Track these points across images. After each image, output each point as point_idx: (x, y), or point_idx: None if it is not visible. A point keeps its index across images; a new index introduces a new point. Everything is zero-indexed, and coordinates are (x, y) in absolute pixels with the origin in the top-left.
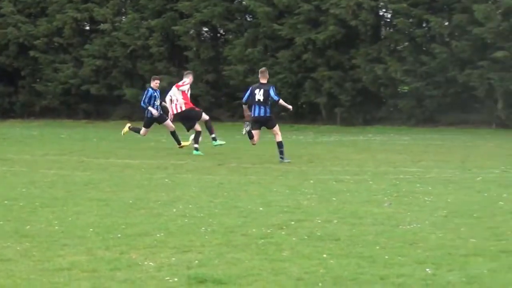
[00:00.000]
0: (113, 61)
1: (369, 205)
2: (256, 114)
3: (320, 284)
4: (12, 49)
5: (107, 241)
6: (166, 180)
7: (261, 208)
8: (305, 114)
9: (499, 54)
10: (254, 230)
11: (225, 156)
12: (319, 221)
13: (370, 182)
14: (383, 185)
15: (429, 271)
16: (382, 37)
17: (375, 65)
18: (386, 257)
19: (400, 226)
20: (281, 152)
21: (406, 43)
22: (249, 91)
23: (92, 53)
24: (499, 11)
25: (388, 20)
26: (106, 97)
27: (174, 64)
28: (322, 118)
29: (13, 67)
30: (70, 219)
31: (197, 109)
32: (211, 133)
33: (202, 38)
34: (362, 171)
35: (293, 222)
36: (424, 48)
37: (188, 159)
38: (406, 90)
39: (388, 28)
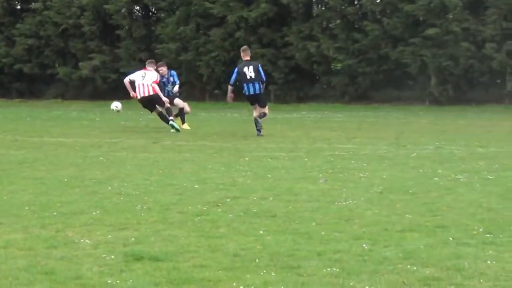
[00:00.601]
0: (45, 40)
1: (304, 182)
2: (251, 92)
3: (257, 260)
4: None
5: (42, 219)
6: (101, 158)
7: (196, 186)
8: (239, 92)
9: (430, 31)
10: (190, 207)
11: (160, 134)
12: (255, 198)
13: (305, 159)
14: (318, 162)
15: (366, 247)
16: (314, 14)
17: (307, 43)
18: (323, 233)
19: (336, 203)
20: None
21: (338, 21)
22: (235, 73)
23: (24, 32)
24: None
25: None
26: (39, 76)
27: (106, 42)
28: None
29: None
30: (5, 197)
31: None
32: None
33: (134, 17)
34: (297, 148)
35: (228, 199)
36: (356, 26)
37: (122, 137)
38: (339, 68)
39: (320, 5)
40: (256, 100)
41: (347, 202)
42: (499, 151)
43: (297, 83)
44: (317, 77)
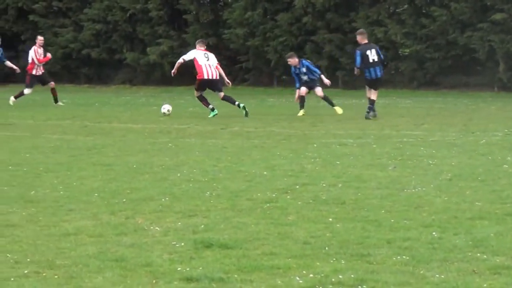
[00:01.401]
0: (113, 25)
1: (373, 169)
2: (377, 76)
3: (326, 248)
4: (11, 13)
5: (112, 206)
6: (170, 144)
7: (265, 172)
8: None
9: (498, 16)
10: (259, 194)
11: (228, 120)
12: (324, 185)
13: (374, 146)
14: (387, 148)
15: (435, 235)
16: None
17: (375, 28)
18: (392, 220)
19: (405, 190)
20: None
21: (406, 6)
22: (359, 55)
23: (91, 17)
24: None
25: None
26: (107, 61)
27: (173, 28)
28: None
29: (13, 32)
30: (74, 184)
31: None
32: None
33: (202, 2)
34: (365, 134)
35: (297, 186)
36: (423, 11)
37: (191, 123)
38: (406, 53)
39: None
40: (377, 83)
41: (416, 189)
42: None
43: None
44: (385, 63)
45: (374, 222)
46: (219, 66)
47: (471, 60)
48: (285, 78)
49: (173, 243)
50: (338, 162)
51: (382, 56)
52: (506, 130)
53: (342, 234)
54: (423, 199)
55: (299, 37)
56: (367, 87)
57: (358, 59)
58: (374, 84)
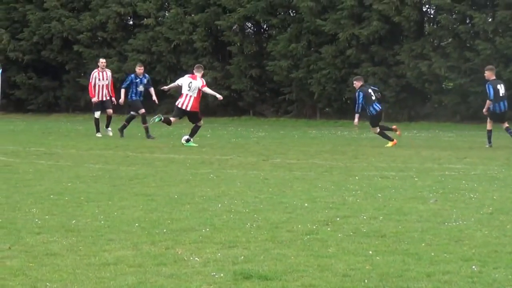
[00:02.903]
0: (157, 55)
1: (414, 202)
2: (502, 110)
3: (366, 280)
4: (56, 43)
5: (152, 236)
6: (211, 175)
7: (306, 204)
8: (349, 110)
9: None
10: (299, 226)
11: (270, 152)
12: (365, 217)
13: (415, 179)
14: (428, 181)
15: (475, 269)
16: (426, 33)
17: (419, 61)
18: (432, 254)
19: (446, 223)
20: None
21: (450, 39)
22: (492, 88)
23: (136, 48)
24: None
25: (432, 16)
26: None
27: (217, 59)
28: (367, 114)
29: (57, 62)
30: (115, 213)
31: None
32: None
33: (246, 33)
34: (407, 167)
35: (338, 218)
36: (468, 44)
37: (233, 154)
38: (450, 87)
39: (431, 24)
40: (503, 117)
41: (457, 223)
42: None
43: (409, 102)
44: (428, 96)
45: (414, 255)
46: (205, 88)
47: None
48: (328, 110)
49: (212, 274)
50: (380, 195)
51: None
52: None
53: (381, 267)
54: (463, 232)
55: (343, 70)
56: (490, 121)
57: (492, 92)
58: (501, 117)
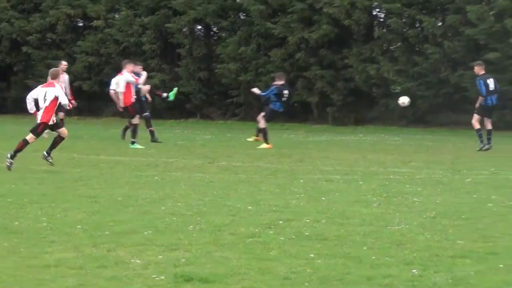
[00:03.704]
0: (106, 57)
1: (358, 205)
2: (494, 103)
3: (306, 284)
4: (5, 44)
5: (94, 238)
6: (156, 177)
7: (250, 207)
8: (297, 113)
9: (491, 55)
10: (242, 229)
11: (216, 155)
12: (308, 220)
13: (360, 182)
14: (373, 185)
15: (416, 272)
16: (375, 37)
17: (367, 65)
18: (373, 257)
19: (388, 227)
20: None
21: (399, 43)
22: (483, 83)
23: (85, 50)
24: (492, 12)
25: (382, 20)
26: (98, 93)
27: (166, 61)
28: (314, 117)
29: (6, 63)
30: (58, 215)
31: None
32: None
33: (195, 36)
34: (352, 171)
35: (281, 222)
36: (416, 49)
37: (178, 157)
38: (398, 90)
39: (381, 28)
40: (493, 111)
41: (400, 227)
42: None
43: (356, 105)
44: (376, 100)
45: (355, 258)
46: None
47: (462, 98)
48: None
49: (153, 276)
50: (323, 198)
51: (498, 86)
52: (493, 169)
53: (322, 270)
54: (405, 236)
55: (291, 73)
56: (476, 116)
57: (483, 87)
58: (491, 111)
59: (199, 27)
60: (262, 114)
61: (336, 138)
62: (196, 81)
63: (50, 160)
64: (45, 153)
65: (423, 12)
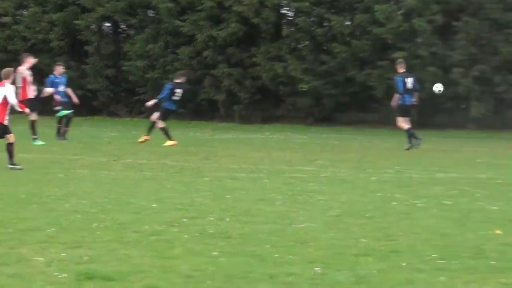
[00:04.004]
0: (13, 54)
1: (262, 204)
2: (411, 102)
3: (209, 282)
4: None
5: None
6: (60, 175)
7: (154, 205)
8: (203, 111)
9: (398, 54)
10: (146, 226)
11: (122, 152)
12: (212, 218)
13: (265, 181)
14: (278, 183)
15: (319, 270)
16: (283, 35)
17: (275, 63)
18: (277, 255)
19: (293, 225)
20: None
21: (307, 42)
22: (401, 81)
23: None
24: (400, 11)
25: (290, 18)
26: None
27: (74, 58)
28: (221, 115)
29: None
30: None
31: None
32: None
33: (104, 33)
34: (258, 169)
35: (185, 220)
36: (324, 47)
37: (84, 154)
38: (305, 89)
39: (289, 26)
40: (411, 109)
41: (304, 225)
42: (458, 176)
43: (263, 104)
44: (283, 98)
45: (258, 256)
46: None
47: (369, 97)
48: (182, 111)
49: (55, 274)
50: (228, 196)
51: (417, 85)
52: (397, 168)
53: (225, 269)
54: (309, 234)
55: (199, 71)
56: (400, 118)
57: (401, 85)
58: (408, 110)
59: (108, 24)
60: (157, 114)
61: (243, 136)
62: (104, 79)
63: (19, 167)
64: (9, 166)
65: (332, 11)
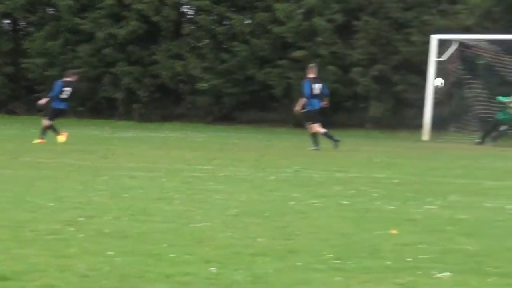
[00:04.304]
0: None
1: (160, 202)
2: (320, 106)
3: (104, 281)
4: None
5: None
6: None
7: (51, 204)
8: (102, 109)
9: (298, 53)
10: (43, 225)
11: (20, 150)
12: (109, 217)
13: (163, 179)
14: (176, 182)
15: (215, 270)
16: (184, 33)
17: (175, 62)
18: (173, 255)
19: (190, 224)
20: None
21: (207, 40)
22: (308, 86)
23: None
24: (301, 10)
25: (191, 16)
26: None
27: None
28: (120, 114)
29: None
30: None
31: None
32: None
33: (2, 30)
34: (156, 167)
35: (82, 219)
36: (225, 46)
37: None
38: (205, 87)
39: (190, 24)
40: (319, 115)
41: (201, 224)
42: (356, 176)
43: (162, 102)
44: (182, 96)
45: (155, 256)
46: None
47: (269, 96)
48: (80, 109)
49: None
50: (126, 195)
51: (326, 90)
52: (296, 167)
53: (121, 268)
54: (207, 234)
55: (99, 69)
56: (310, 124)
57: (307, 90)
58: (317, 115)
59: (7, 21)
60: (46, 116)
61: (142, 134)
62: (2, 76)
63: None
64: None
65: (232, 9)
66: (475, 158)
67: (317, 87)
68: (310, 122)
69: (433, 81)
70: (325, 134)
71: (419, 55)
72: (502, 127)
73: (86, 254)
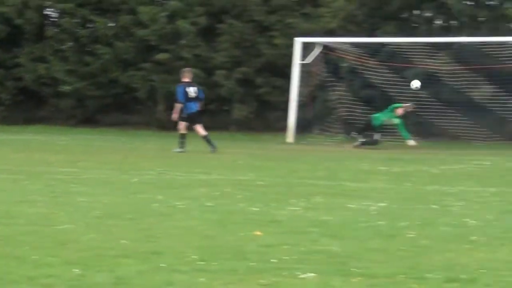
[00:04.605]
0: None
1: (23, 205)
2: (197, 109)
3: None
4: None
5: None
6: None
7: None
8: None
9: (162, 56)
10: None
11: None
12: None
13: (26, 182)
14: (39, 185)
15: (78, 272)
16: (47, 36)
17: (38, 64)
18: (36, 257)
19: (54, 227)
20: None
21: (71, 43)
22: (181, 90)
23: None
24: (164, 13)
25: (55, 19)
26: None
27: None
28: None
29: None
30: None
31: None
32: None
33: None
34: (19, 170)
35: None
36: (88, 49)
37: None
38: (68, 90)
39: (53, 27)
40: (198, 117)
41: (64, 227)
42: (220, 178)
43: (25, 105)
44: (45, 99)
45: (17, 258)
46: None
47: (132, 99)
48: None
49: None
50: None
51: (202, 95)
52: (160, 169)
53: None
54: (70, 236)
55: None
56: (183, 124)
57: (181, 94)
58: (196, 118)
59: None
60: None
61: (4, 137)
62: None
63: None
64: None
65: (96, 12)
66: (338, 160)
67: (192, 91)
68: (193, 125)
69: (411, 84)
70: (204, 137)
71: (283, 58)
72: (376, 136)
73: None
